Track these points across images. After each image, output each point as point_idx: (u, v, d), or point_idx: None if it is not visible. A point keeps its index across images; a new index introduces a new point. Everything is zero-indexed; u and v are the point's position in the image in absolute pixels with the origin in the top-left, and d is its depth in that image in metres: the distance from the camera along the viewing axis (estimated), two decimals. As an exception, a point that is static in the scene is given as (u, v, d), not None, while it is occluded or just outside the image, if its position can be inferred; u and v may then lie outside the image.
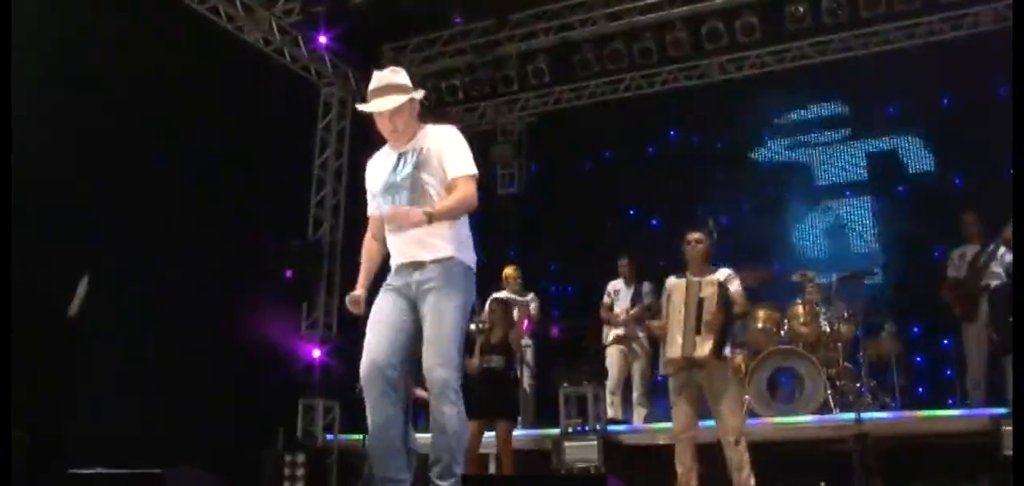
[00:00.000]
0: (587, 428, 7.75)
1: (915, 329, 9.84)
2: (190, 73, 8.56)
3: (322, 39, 10.17)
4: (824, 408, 7.46)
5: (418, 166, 3.96)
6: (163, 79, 8.23)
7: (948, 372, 9.73)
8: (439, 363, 3.81)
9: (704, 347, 5.82)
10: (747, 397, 7.67)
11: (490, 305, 8.11)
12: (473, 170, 4.01)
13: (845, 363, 7.99)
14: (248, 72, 9.85)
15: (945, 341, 9.87)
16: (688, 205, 11.50)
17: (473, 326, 9.14)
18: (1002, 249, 7.47)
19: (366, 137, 12.14)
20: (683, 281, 6.13)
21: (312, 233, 10.81)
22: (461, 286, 3.93)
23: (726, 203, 11.39)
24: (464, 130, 12.50)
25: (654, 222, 12.44)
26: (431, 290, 3.87)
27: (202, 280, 8.63)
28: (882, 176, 11.08)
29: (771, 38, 10.80)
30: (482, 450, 7.67)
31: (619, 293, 9.45)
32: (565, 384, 8.08)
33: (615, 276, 9.63)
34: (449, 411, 3.82)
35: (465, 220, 4.05)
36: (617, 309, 9.39)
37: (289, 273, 9.96)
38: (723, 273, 6.13)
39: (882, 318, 8.31)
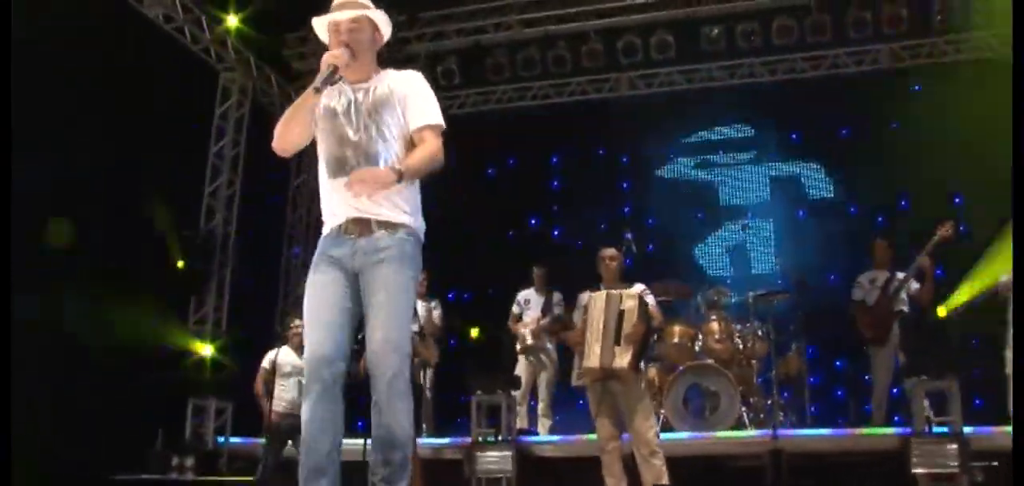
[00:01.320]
0: (501, 438, 7.52)
1: (809, 350, 10.08)
2: (80, 45, 7.88)
3: (232, 21, 9.59)
4: (738, 424, 7.50)
5: (377, 106, 3.39)
6: (47, 48, 7.52)
7: (839, 392, 10.04)
8: (391, 348, 3.24)
9: (623, 358, 5.80)
10: (662, 412, 7.63)
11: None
12: (442, 122, 3.47)
13: (756, 381, 8.09)
14: (144, 49, 9.20)
15: (838, 363, 10.18)
16: (591, 218, 11.55)
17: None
18: (912, 280, 7.74)
19: (266, 128, 11.71)
20: (602, 293, 6.09)
21: (204, 223, 10.21)
22: (415, 261, 3.42)
23: (631, 217, 11.41)
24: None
25: (556, 233, 12.35)
26: (382, 261, 3.30)
27: (79, 268, 7.93)
28: (784, 200, 11.35)
29: (685, 57, 10.90)
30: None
31: (529, 302, 9.26)
32: (479, 392, 7.82)
33: (518, 285, 9.47)
34: (401, 407, 3.26)
35: (418, 183, 3.48)
36: (527, 318, 9.22)
37: (181, 263, 9.32)
38: (638, 287, 6.16)
39: (790, 338, 8.46)
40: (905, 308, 7.68)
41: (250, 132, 10.90)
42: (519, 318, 9.19)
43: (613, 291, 6.09)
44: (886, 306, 7.72)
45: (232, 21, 9.62)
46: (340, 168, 3.34)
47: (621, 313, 5.87)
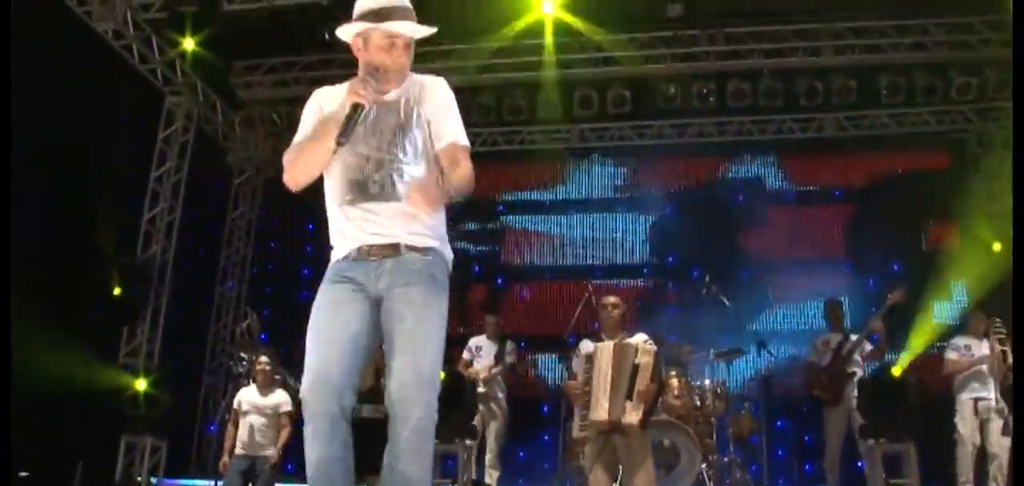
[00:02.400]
0: (458, 489, 7.32)
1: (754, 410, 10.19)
2: (22, 51, 7.43)
3: (189, 44, 9.21)
4: (698, 482, 7.45)
5: (404, 121, 3.01)
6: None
7: (780, 452, 10.13)
8: (423, 381, 2.82)
9: (634, 415, 5.56)
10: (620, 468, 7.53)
11: None
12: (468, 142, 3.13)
13: (711, 438, 8.08)
14: (89, 63, 8.79)
15: (778, 423, 10.29)
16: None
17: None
18: (865, 342, 7.89)
19: (211, 154, 11.33)
20: (609, 344, 5.84)
21: (142, 250, 9.74)
22: (445, 289, 3.01)
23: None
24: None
25: (500, 281, 12.24)
26: (411, 284, 2.91)
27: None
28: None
29: (639, 113, 11.01)
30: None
31: (481, 349, 9.12)
32: (436, 440, 7.57)
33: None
34: (426, 454, 2.84)
35: (444, 211, 3.10)
36: (477, 366, 9.05)
37: (117, 291, 8.84)
38: (640, 337, 5.97)
39: (742, 396, 8.52)
40: (858, 370, 7.81)
41: (193, 159, 10.54)
42: (469, 364, 9.04)
43: (626, 342, 5.84)
44: (839, 367, 7.85)
45: (189, 45, 9.23)
46: (360, 193, 2.99)
47: (635, 368, 5.59)
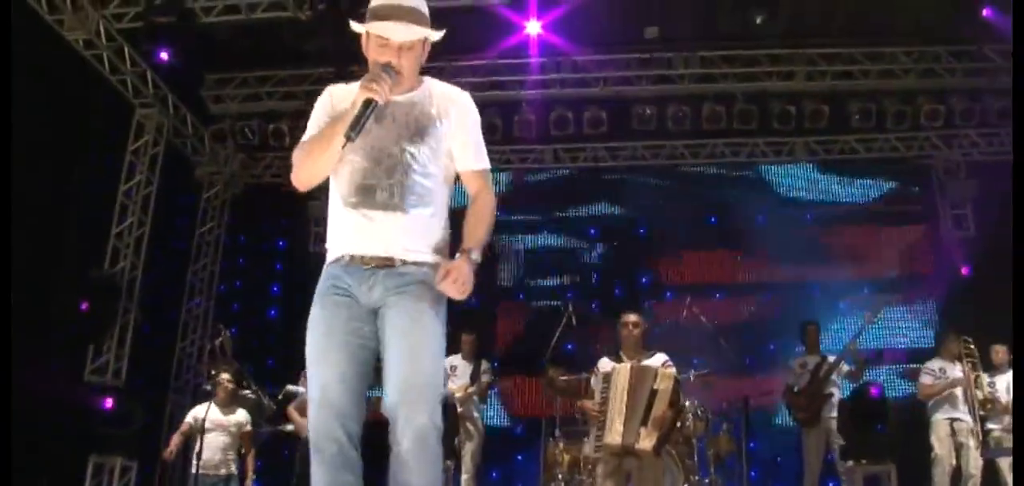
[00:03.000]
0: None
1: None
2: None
3: (164, 56, 9.02)
4: (681, 504, 7.45)
5: (419, 128, 2.88)
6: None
7: (753, 473, 10.17)
8: (421, 384, 2.71)
9: (648, 441, 5.49)
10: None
11: None
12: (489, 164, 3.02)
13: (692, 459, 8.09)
14: (60, 75, 8.60)
15: (752, 444, 10.34)
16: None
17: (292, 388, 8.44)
18: (842, 363, 7.99)
19: (180, 168, 11.09)
20: (627, 365, 5.76)
21: (109, 265, 9.51)
22: (442, 297, 2.85)
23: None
24: (279, 180, 11.65)
25: (474, 301, 12.12)
26: (406, 292, 2.78)
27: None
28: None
29: (615, 134, 11.05)
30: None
31: (456, 369, 9.04)
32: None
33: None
34: (431, 466, 2.69)
35: (447, 221, 3.00)
36: (453, 386, 8.96)
37: (84, 306, 8.59)
38: (660, 358, 5.92)
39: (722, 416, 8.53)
40: (836, 391, 7.89)
41: (163, 173, 10.35)
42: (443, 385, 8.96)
43: (645, 365, 5.76)
44: (817, 388, 7.93)
45: (167, 56, 9.05)
46: (366, 197, 2.83)
47: (653, 392, 5.51)
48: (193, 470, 6.91)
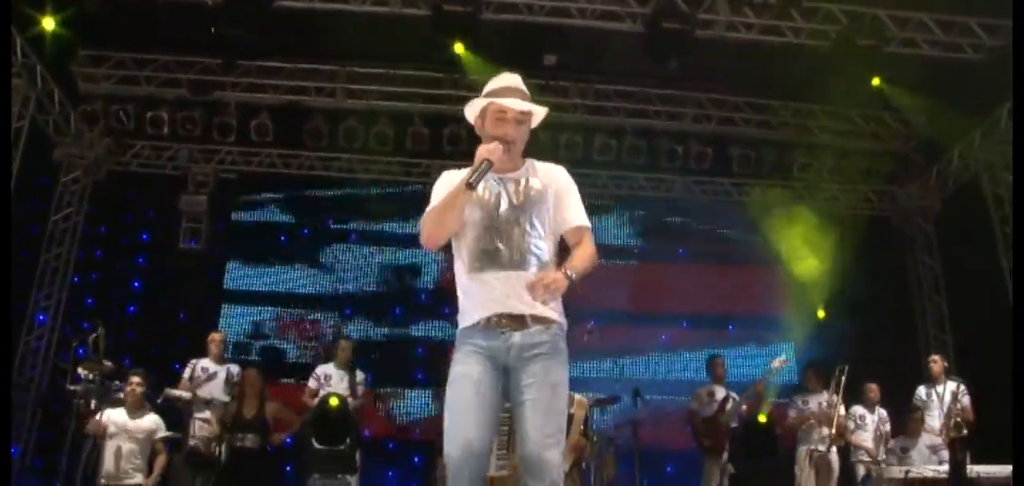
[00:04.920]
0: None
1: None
2: None
3: (49, 24, 8.23)
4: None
5: (530, 201, 3.33)
6: None
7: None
8: (553, 443, 3.13)
9: (564, 464, 5.51)
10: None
11: (243, 374, 7.07)
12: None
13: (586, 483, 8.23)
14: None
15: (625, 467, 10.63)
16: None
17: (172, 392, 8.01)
18: (745, 402, 8.41)
19: (39, 147, 10.18)
20: None
21: None
22: (566, 358, 3.32)
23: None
24: (148, 171, 11.02)
25: (348, 310, 11.86)
26: (539, 356, 3.21)
27: None
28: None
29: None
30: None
31: (330, 378, 8.74)
32: (316, 476, 7.20)
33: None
34: None
35: None
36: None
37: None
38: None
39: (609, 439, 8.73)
40: (736, 424, 8.29)
41: (25, 151, 9.54)
42: (315, 394, 8.64)
43: None
44: (724, 421, 8.31)
45: (49, 24, 8.33)
46: (491, 261, 3.27)
47: (570, 417, 5.60)
48: (100, 480, 6.37)
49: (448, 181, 3.43)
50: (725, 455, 8.22)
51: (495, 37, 10.00)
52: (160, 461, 6.72)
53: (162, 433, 6.83)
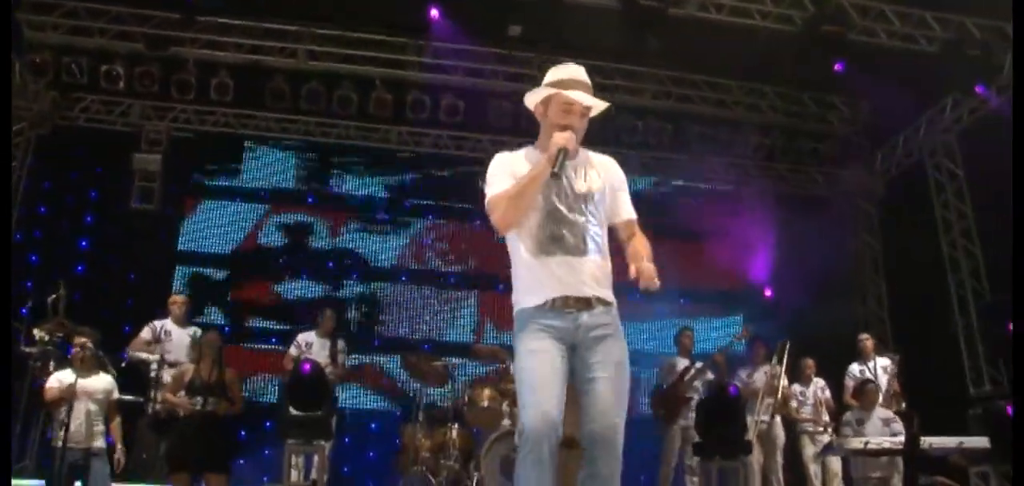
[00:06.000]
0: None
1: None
2: None
3: None
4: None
5: (590, 190, 3.51)
6: None
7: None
8: (621, 419, 3.31)
9: None
10: (477, 475, 7.62)
11: (204, 337, 7.03)
12: None
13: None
14: None
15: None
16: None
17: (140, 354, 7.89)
18: (708, 371, 8.65)
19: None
20: None
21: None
22: (624, 338, 3.51)
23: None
24: (96, 126, 10.64)
25: (305, 274, 11.74)
26: (606, 337, 3.39)
27: None
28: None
29: (468, 125, 11.14)
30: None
31: (312, 346, 8.73)
32: (291, 441, 7.16)
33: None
34: (619, 470, 3.34)
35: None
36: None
37: None
38: None
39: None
40: (696, 396, 8.53)
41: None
42: (295, 361, 8.62)
43: None
44: (680, 390, 8.54)
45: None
46: (556, 245, 3.41)
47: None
48: (58, 443, 6.21)
49: (507, 164, 3.56)
50: (681, 421, 8.48)
51: (461, 5, 10.07)
52: (116, 422, 6.62)
53: (116, 393, 6.72)
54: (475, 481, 7.72)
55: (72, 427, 6.23)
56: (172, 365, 8.01)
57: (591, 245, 3.45)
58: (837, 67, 9.30)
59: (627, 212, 3.64)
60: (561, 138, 3.37)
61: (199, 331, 8.47)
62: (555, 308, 3.40)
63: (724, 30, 9.51)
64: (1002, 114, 9.59)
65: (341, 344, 8.87)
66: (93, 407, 6.46)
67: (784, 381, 8.71)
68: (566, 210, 3.44)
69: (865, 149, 11.90)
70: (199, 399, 6.68)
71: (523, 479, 3.23)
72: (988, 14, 9.16)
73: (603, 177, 3.59)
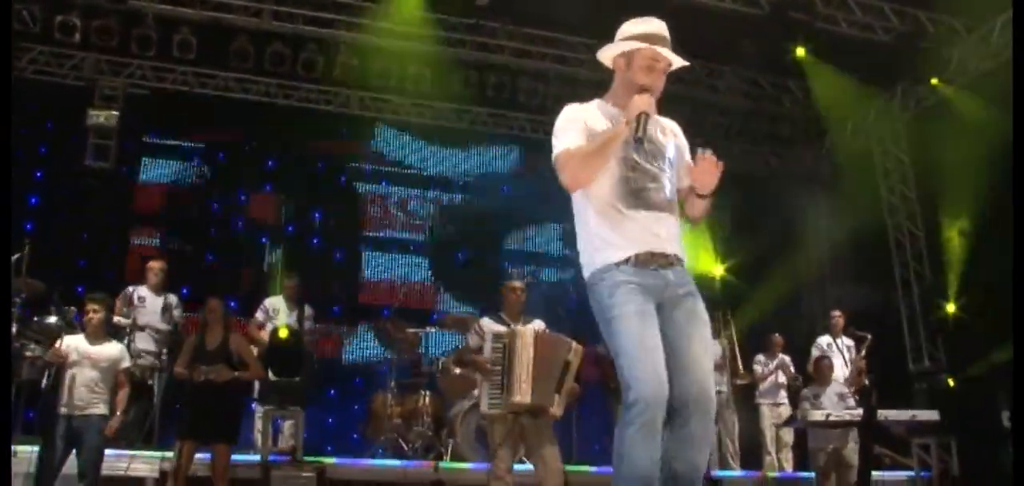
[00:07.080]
0: (298, 458, 6.91)
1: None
2: None
3: None
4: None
5: (664, 146, 3.39)
6: None
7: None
8: (710, 384, 3.21)
9: (560, 408, 5.74)
10: (452, 442, 7.74)
11: (207, 303, 6.89)
12: None
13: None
14: None
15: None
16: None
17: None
18: None
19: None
20: (529, 329, 5.90)
21: None
22: None
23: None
24: (45, 78, 10.21)
25: (264, 238, 11.62)
26: (689, 295, 3.26)
27: None
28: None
29: (434, 93, 11.17)
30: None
31: (278, 312, 8.65)
32: (268, 406, 7.13)
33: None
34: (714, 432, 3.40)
35: None
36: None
37: None
38: (538, 324, 6.20)
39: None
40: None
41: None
42: (261, 327, 8.56)
43: (557, 336, 5.96)
44: None
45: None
46: (638, 199, 3.27)
47: (567, 364, 5.69)
48: (60, 410, 6.05)
49: (579, 118, 3.37)
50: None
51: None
52: (122, 394, 6.43)
53: (127, 362, 6.54)
54: (450, 448, 7.87)
55: (66, 393, 6.07)
56: (141, 330, 7.91)
57: (672, 202, 3.35)
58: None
59: (688, 176, 3.46)
60: (643, 101, 3.20)
61: (174, 298, 8.35)
62: (639, 263, 3.22)
63: (689, 11, 9.69)
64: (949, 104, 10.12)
65: (308, 310, 8.82)
66: (95, 374, 6.28)
67: (735, 350, 9.08)
68: (648, 165, 3.31)
69: (816, 132, 12.27)
70: (210, 366, 6.54)
71: (635, 451, 3.02)
72: (943, 9, 9.56)
73: (673, 137, 3.48)
